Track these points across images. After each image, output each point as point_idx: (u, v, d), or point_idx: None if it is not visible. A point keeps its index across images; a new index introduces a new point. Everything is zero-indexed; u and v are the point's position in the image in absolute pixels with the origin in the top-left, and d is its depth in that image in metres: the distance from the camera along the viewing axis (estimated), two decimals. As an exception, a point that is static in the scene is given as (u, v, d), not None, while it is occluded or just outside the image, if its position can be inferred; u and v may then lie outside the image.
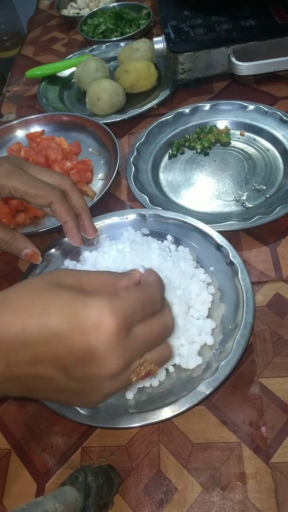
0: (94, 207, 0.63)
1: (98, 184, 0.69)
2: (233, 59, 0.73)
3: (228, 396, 0.44)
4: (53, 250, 0.57)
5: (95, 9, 1.08)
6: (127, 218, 0.58)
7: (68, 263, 0.55)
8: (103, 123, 0.74)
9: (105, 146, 0.73)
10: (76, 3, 1.17)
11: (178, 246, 0.55)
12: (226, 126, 0.71)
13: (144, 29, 0.99)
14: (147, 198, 0.61)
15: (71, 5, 1.17)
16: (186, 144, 0.72)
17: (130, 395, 0.43)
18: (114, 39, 0.99)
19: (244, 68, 0.73)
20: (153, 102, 0.78)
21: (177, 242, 0.56)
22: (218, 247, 0.52)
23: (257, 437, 0.41)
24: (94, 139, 0.75)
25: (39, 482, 0.42)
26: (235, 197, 0.62)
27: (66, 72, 0.94)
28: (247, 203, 0.61)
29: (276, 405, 0.43)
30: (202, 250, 0.54)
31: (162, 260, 0.51)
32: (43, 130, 0.79)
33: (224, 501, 0.38)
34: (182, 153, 0.71)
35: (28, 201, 0.47)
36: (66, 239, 0.57)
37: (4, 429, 0.46)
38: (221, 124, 0.72)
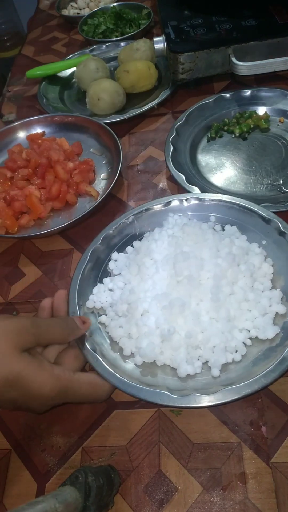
0: (97, 208, 0.63)
1: (101, 184, 0.69)
2: (233, 59, 0.73)
3: (229, 396, 0.44)
4: (98, 245, 0.56)
5: (95, 9, 1.08)
6: (167, 204, 0.59)
7: (117, 256, 0.55)
8: (104, 123, 0.74)
9: (107, 146, 0.73)
10: (76, 3, 1.17)
11: (224, 226, 0.55)
12: (265, 113, 0.72)
13: (144, 29, 0.99)
14: (183, 177, 0.62)
15: (71, 5, 1.17)
16: (225, 128, 0.72)
17: (216, 372, 0.43)
18: (114, 39, 0.99)
19: (244, 68, 0.73)
20: (153, 102, 0.78)
21: (222, 222, 0.56)
22: (267, 220, 0.53)
23: (257, 437, 0.41)
24: (96, 139, 0.76)
25: (39, 482, 0.42)
26: (271, 181, 0.63)
27: (66, 72, 0.94)
28: (283, 188, 0.62)
29: (277, 405, 0.43)
30: (249, 226, 0.54)
31: (218, 238, 0.51)
32: (44, 132, 0.79)
33: (225, 501, 0.38)
34: (221, 136, 0.72)
35: None
36: (110, 232, 0.57)
37: (5, 429, 0.46)
38: (261, 110, 0.73)
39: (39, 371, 0.38)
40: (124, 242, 0.57)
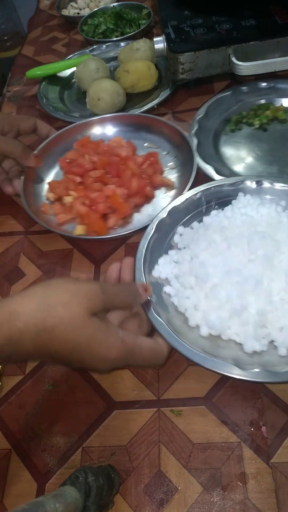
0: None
1: (172, 173, 0.68)
2: (233, 59, 0.73)
3: (229, 396, 0.44)
4: (165, 217, 0.56)
5: (95, 9, 1.08)
6: (236, 184, 0.58)
7: (182, 230, 0.55)
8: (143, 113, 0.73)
9: (163, 136, 0.72)
10: (76, 3, 1.17)
11: None
12: (281, 104, 0.73)
13: (144, 29, 0.99)
14: (212, 168, 0.62)
15: (72, 5, 1.17)
16: (244, 120, 0.73)
17: (283, 351, 0.43)
18: (115, 39, 0.99)
19: (244, 68, 0.73)
20: (153, 102, 0.78)
21: None
22: None
23: (257, 437, 0.41)
24: (149, 133, 0.74)
25: (39, 482, 0.42)
26: None
27: (66, 72, 0.94)
28: None
29: (277, 405, 0.43)
30: None
31: None
32: (89, 136, 0.75)
33: (225, 501, 0.38)
34: (240, 129, 0.73)
35: None
36: (177, 204, 0.56)
37: (5, 429, 0.46)
38: (278, 102, 0.74)
39: (107, 335, 0.39)
40: (190, 217, 0.57)
